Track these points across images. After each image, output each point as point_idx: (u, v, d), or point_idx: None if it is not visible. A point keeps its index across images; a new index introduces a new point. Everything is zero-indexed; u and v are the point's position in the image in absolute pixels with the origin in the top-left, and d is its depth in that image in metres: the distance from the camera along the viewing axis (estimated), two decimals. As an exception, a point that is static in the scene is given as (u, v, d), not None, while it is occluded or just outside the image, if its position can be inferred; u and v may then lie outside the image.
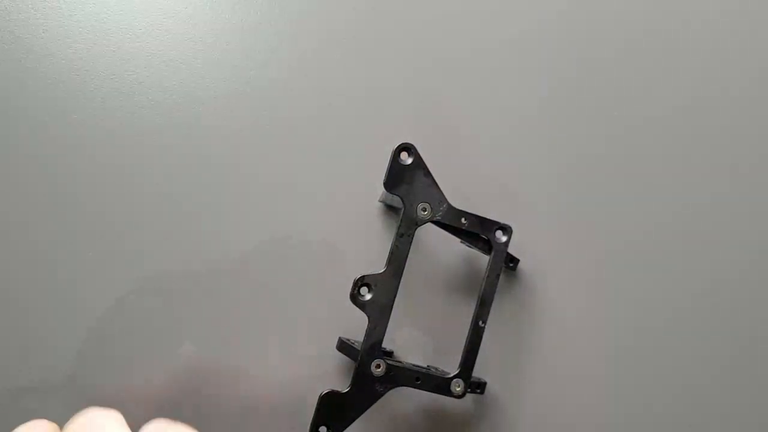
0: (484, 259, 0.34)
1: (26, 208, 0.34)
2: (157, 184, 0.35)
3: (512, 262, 0.36)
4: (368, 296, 0.31)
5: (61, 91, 0.35)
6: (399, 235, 0.31)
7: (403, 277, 0.31)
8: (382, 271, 0.31)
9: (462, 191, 0.36)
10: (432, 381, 0.32)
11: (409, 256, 0.31)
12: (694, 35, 0.40)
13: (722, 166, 0.40)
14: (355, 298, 0.30)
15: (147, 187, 0.35)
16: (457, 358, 0.33)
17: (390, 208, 0.37)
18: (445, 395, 0.32)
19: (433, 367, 0.35)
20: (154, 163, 0.35)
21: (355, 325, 0.35)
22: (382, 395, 0.31)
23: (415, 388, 0.32)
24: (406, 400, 0.36)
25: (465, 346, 0.33)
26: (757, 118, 0.40)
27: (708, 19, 0.40)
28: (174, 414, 0.32)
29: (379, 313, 0.31)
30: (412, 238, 0.31)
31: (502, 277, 0.34)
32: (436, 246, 0.37)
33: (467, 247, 0.36)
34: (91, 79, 0.35)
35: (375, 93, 0.37)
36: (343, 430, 0.30)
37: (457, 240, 0.35)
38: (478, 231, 0.33)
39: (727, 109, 0.40)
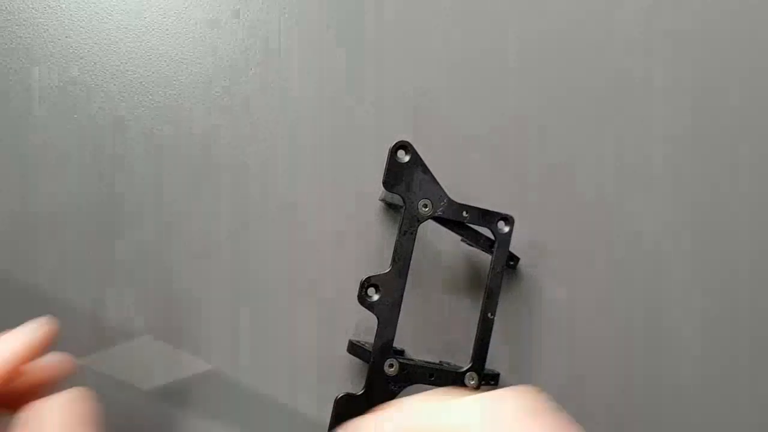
0: (486, 256, 0.34)
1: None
2: (157, 184, 0.35)
3: (512, 260, 0.36)
4: (376, 297, 0.31)
5: (62, 91, 0.35)
6: (402, 234, 0.31)
7: (408, 275, 0.31)
8: (388, 270, 0.31)
9: (461, 191, 0.36)
10: (446, 376, 0.32)
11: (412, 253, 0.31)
12: (693, 35, 0.40)
13: (724, 163, 0.39)
14: (363, 299, 0.30)
15: (147, 187, 0.35)
16: (465, 353, 0.33)
17: (390, 207, 0.37)
18: (460, 389, 0.32)
19: (446, 362, 0.35)
20: (155, 164, 0.36)
21: (361, 325, 0.35)
22: (397, 394, 0.31)
23: (429, 384, 0.32)
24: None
25: (476, 338, 0.33)
26: (758, 117, 0.40)
27: (701, 18, 0.40)
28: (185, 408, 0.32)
29: (388, 313, 0.31)
30: (415, 236, 0.31)
31: (503, 276, 0.34)
32: (439, 243, 0.37)
33: (469, 246, 0.36)
34: (92, 79, 0.35)
35: (375, 93, 0.37)
36: (361, 432, 0.30)
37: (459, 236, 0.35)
38: (480, 223, 0.33)
39: (728, 107, 0.40)
